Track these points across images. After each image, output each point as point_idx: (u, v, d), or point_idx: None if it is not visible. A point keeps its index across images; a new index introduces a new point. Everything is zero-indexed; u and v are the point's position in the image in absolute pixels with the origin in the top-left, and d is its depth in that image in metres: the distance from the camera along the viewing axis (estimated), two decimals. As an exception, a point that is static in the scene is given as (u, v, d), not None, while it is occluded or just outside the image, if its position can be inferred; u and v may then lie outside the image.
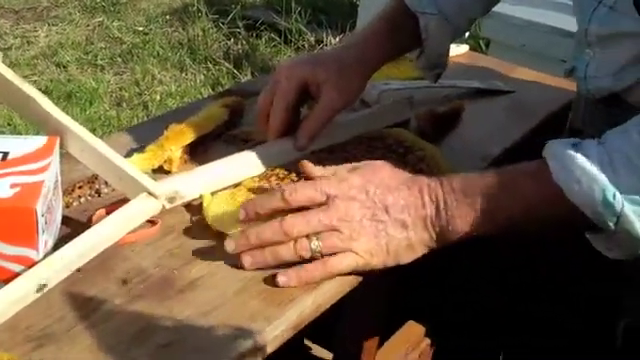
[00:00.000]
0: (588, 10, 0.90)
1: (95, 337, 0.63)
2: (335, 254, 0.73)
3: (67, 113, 0.78)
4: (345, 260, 0.73)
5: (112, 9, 4.00)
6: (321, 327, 0.80)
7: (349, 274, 0.75)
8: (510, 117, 1.13)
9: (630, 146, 0.69)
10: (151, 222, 0.79)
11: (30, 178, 0.68)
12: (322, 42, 3.62)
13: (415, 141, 0.96)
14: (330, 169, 0.80)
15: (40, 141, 0.74)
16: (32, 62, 3.38)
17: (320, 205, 0.73)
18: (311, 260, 0.73)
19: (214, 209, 0.79)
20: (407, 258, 0.74)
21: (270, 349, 0.67)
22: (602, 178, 0.68)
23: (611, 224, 0.69)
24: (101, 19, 3.89)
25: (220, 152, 0.92)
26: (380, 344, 1.05)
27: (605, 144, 0.70)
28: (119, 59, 3.50)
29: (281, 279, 0.71)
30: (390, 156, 0.91)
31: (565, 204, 0.70)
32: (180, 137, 0.90)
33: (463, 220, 0.73)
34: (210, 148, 0.95)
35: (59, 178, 0.75)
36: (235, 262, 0.74)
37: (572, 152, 0.70)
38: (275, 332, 0.67)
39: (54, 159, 0.72)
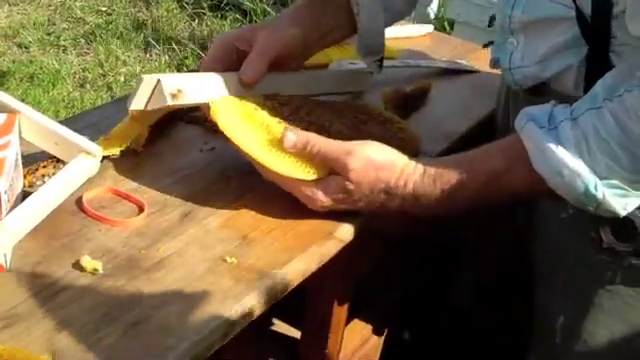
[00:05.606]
0: None
1: (63, 317, 0.63)
2: None
3: (29, 95, 0.77)
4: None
5: (74, -11, 3.93)
6: (289, 305, 0.81)
7: (318, 252, 0.76)
8: (474, 96, 1.15)
9: (604, 127, 0.71)
10: (140, 208, 0.79)
11: (-9, 156, 0.68)
12: (288, 22, 3.59)
13: (391, 115, 0.99)
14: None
15: (-2, 118, 0.74)
16: (-8, 43, 3.32)
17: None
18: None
19: (224, 116, 0.80)
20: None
21: (240, 326, 0.67)
22: (583, 170, 0.72)
23: (591, 208, 0.74)
24: (63, -1, 3.82)
25: (184, 132, 0.94)
26: (347, 321, 1.07)
27: (579, 124, 0.73)
28: (82, 40, 3.44)
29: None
30: (374, 124, 0.95)
31: (544, 187, 0.74)
32: (146, 116, 0.89)
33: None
34: (174, 128, 0.95)
35: (19, 155, 0.74)
36: (203, 241, 0.74)
37: (551, 142, 0.73)
38: (245, 310, 0.67)
39: (14, 136, 0.72)
